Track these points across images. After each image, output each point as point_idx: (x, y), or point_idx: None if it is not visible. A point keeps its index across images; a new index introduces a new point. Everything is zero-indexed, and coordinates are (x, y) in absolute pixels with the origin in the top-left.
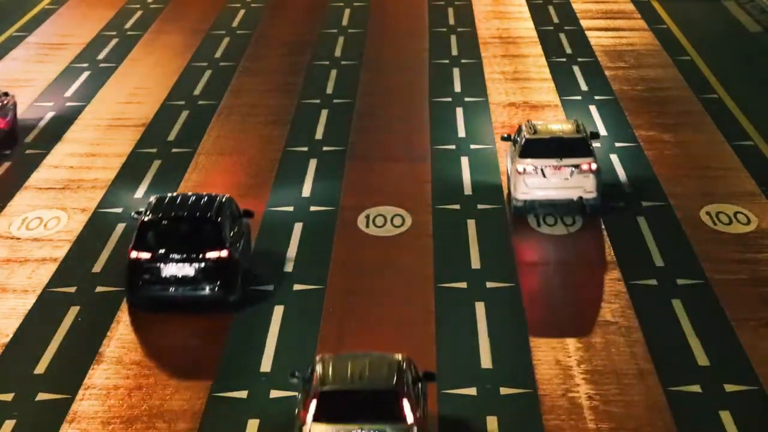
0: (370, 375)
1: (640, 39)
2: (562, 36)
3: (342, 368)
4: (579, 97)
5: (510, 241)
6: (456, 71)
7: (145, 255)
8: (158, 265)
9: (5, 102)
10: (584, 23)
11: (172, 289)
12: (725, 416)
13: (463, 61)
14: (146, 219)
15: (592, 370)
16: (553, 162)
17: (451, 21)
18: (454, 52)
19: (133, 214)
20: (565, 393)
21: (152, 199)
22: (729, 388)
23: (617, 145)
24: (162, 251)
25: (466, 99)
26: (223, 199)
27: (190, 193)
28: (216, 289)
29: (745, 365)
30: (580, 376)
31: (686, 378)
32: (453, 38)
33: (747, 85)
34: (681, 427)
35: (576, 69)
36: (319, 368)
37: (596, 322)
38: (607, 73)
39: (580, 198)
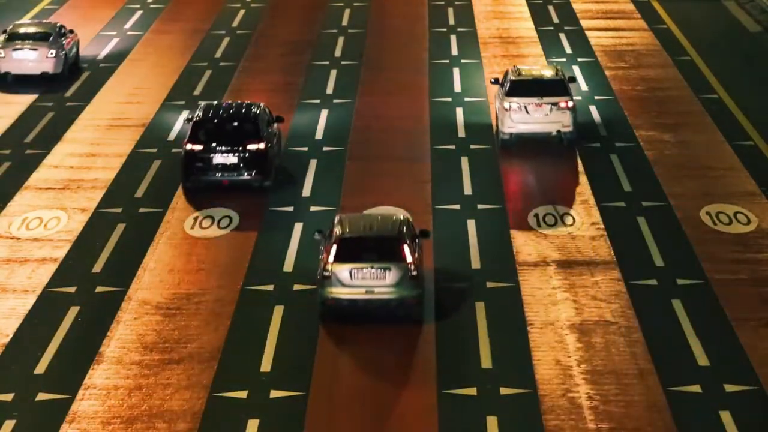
0: (378, 227)
1: (640, 39)
2: (562, 36)
3: (356, 223)
4: (579, 97)
5: (510, 240)
6: (456, 71)
7: (198, 147)
8: (209, 155)
9: (69, 39)
10: (584, 23)
11: (219, 174)
12: (725, 416)
13: (463, 61)
14: (198, 120)
15: (592, 370)
16: (535, 100)
17: (451, 21)
18: (454, 52)
19: (184, 120)
20: (565, 393)
21: (201, 105)
22: (729, 388)
23: (617, 144)
24: (212, 144)
25: (466, 99)
26: (260, 105)
27: (231, 101)
28: (254, 174)
29: (745, 365)
30: (580, 376)
31: (686, 378)
32: (453, 38)
33: (747, 85)
34: (681, 427)
35: (576, 69)
36: (337, 224)
37: (596, 322)
38: (607, 73)
39: (558, 132)
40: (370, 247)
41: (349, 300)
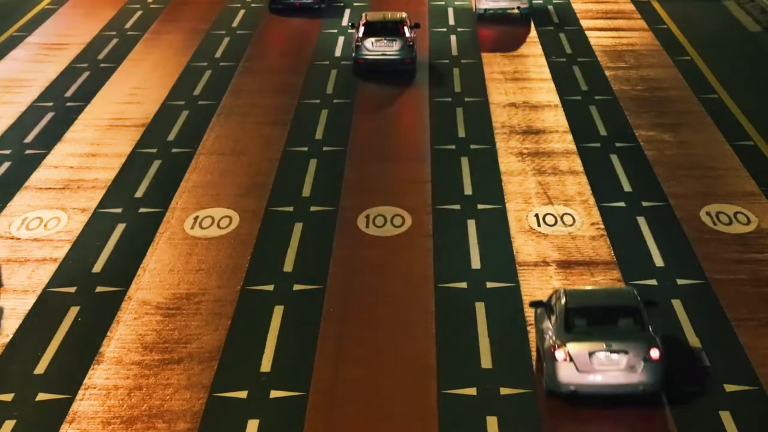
0: (389, 17)
1: (640, 39)
2: (562, 36)
3: (375, 15)
4: (579, 97)
5: (510, 240)
6: (456, 71)
7: None
8: None
9: None
10: (584, 23)
11: None
12: (725, 416)
13: (463, 61)
14: None
15: None
16: None
17: (451, 21)
18: (454, 52)
19: None
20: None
21: None
22: (729, 388)
23: (617, 145)
24: None
25: (466, 99)
26: None
27: None
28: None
29: (745, 365)
30: None
31: (686, 378)
32: (453, 38)
33: (747, 85)
34: (681, 427)
35: (576, 69)
36: (363, 16)
37: None
38: (607, 73)
39: (518, 8)
40: (384, 28)
41: (372, 59)
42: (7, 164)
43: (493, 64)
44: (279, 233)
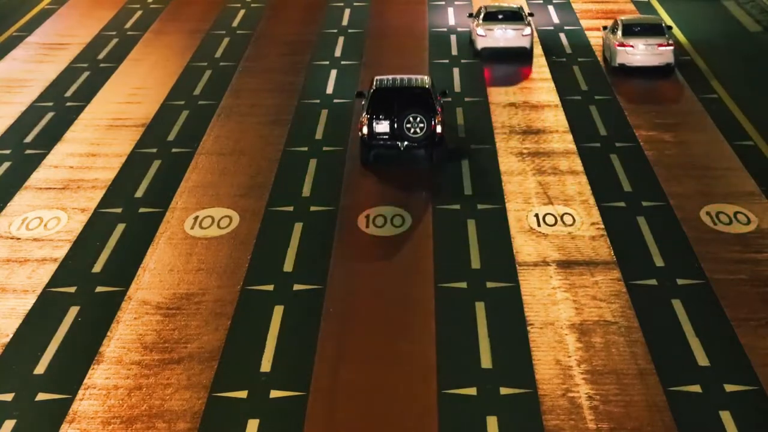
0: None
1: None
2: (562, 36)
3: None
4: (579, 97)
5: (510, 240)
6: (456, 71)
7: None
8: None
9: None
10: (584, 23)
11: None
12: (725, 416)
13: (463, 61)
14: None
15: (592, 370)
16: None
17: (451, 21)
18: (454, 52)
19: None
20: (565, 393)
21: None
22: (729, 388)
23: (617, 145)
24: None
25: (466, 99)
26: None
27: None
28: None
29: (745, 365)
30: (580, 376)
31: (686, 378)
32: (453, 38)
33: (747, 85)
34: (681, 427)
35: (576, 69)
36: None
37: (596, 322)
38: (607, 72)
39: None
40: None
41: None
42: (7, 164)
43: (493, 65)
44: (279, 233)
